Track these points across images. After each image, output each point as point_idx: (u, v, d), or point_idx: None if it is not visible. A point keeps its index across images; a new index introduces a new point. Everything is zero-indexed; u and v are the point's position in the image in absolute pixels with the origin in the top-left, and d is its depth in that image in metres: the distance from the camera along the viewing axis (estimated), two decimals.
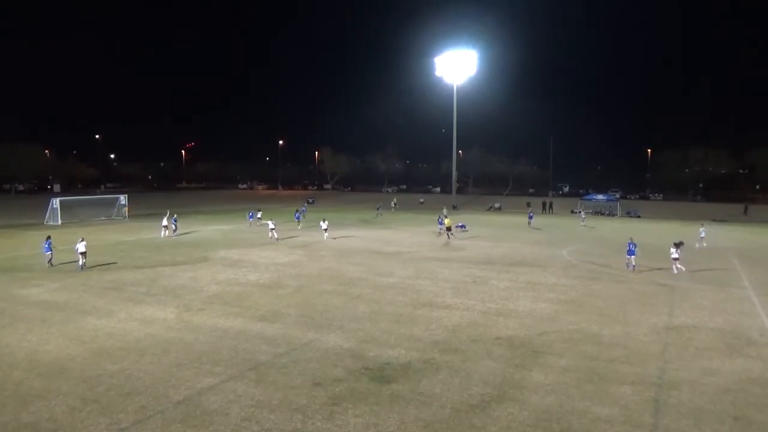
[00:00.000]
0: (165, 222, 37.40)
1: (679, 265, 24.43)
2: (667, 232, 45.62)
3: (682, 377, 12.12)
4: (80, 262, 24.23)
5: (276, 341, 14.17)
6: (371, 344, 14.01)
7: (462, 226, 41.79)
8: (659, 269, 25.47)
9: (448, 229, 37.39)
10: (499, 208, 74.89)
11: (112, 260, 26.59)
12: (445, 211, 55.70)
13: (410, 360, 12.89)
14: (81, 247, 24.48)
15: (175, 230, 39.05)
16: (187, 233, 38.58)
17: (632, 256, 25.37)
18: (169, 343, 13.93)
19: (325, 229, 35.95)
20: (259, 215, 46.27)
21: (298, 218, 44.47)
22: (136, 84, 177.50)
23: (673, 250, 24.86)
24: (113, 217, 49.21)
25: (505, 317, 16.79)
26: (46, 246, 24.96)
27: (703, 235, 36.14)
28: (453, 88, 76.94)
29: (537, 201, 75.35)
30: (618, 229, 44.32)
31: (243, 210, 56.82)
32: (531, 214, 50.90)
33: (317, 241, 34.90)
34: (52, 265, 24.54)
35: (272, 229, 35.72)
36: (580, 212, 57.95)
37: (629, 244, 25.86)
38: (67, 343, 13.99)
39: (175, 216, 40.48)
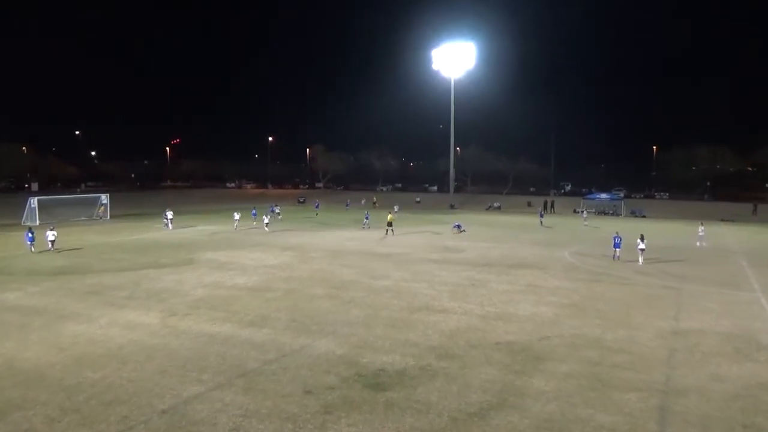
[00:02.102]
0: (170, 215, 42.10)
1: (616, 253, 28.66)
2: (672, 231, 45.89)
3: (688, 383, 12.18)
4: (50, 246, 29.52)
5: (265, 347, 14.14)
6: (365, 350, 14.00)
7: (458, 226, 41.91)
8: (661, 261, 25.59)
9: (389, 224, 39.41)
10: (499, 208, 75.07)
11: (94, 263, 26.48)
12: (396, 207, 57.69)
13: (406, 366, 12.89)
14: (50, 235, 29.78)
15: (166, 225, 41.00)
16: (180, 229, 38.44)
17: (618, 249, 28.96)
18: (153, 350, 13.87)
19: (267, 222, 41.23)
20: (277, 210, 51.12)
21: (254, 215, 47.27)
22: (118, 79, 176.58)
23: (639, 241, 28.21)
24: (94, 217, 49.01)
25: (504, 321, 16.82)
26: (29, 237, 29.52)
27: (702, 234, 36.52)
28: (450, 82, 77.12)
29: (538, 200, 75.63)
30: (622, 229, 44.41)
31: (231, 210, 56.65)
32: (541, 212, 52.21)
33: (308, 242, 34.88)
34: (33, 251, 29.03)
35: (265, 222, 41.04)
36: (582, 212, 58.35)
37: (615, 237, 29.50)
38: (46, 349, 13.91)
39: (171, 212, 43.11)
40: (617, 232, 30.21)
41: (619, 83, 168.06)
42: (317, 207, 59.45)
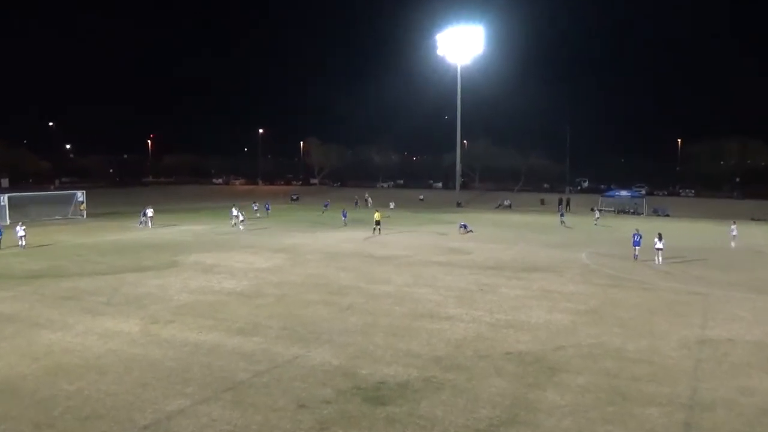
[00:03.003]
0: (150, 213, 42.77)
1: (661, 257, 28.79)
2: (699, 231, 45.89)
3: (716, 397, 12.18)
4: (21, 243, 30.87)
5: (255, 357, 14.15)
6: (364, 360, 14.01)
7: (464, 226, 41.95)
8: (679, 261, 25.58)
9: (377, 223, 40.18)
10: (509, 206, 75.05)
11: (69, 265, 26.49)
12: (392, 204, 58.04)
13: (408, 378, 12.90)
14: (20, 231, 31.29)
15: (144, 223, 41.56)
16: (163, 228, 38.46)
17: (637, 247, 29.83)
18: (134, 360, 13.88)
19: (242, 221, 42.44)
20: (255, 207, 51.82)
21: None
22: (95, 65, 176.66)
23: (656, 240, 28.96)
24: (70, 216, 49.05)
25: (515, 330, 16.83)
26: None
27: (734, 233, 36.61)
28: (456, 69, 77.10)
29: (552, 198, 75.65)
30: (644, 229, 44.38)
31: (218, 208, 56.69)
32: (562, 211, 52.48)
33: (301, 243, 34.91)
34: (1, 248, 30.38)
35: (240, 220, 42.16)
36: (610, 210, 57.73)
37: (635, 235, 30.33)
38: (18, 360, 13.93)
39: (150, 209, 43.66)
40: (637, 229, 31.16)
41: (641, 70, 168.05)
42: (327, 206, 56.34)
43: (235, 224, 42.31)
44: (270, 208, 55.70)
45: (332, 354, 14.44)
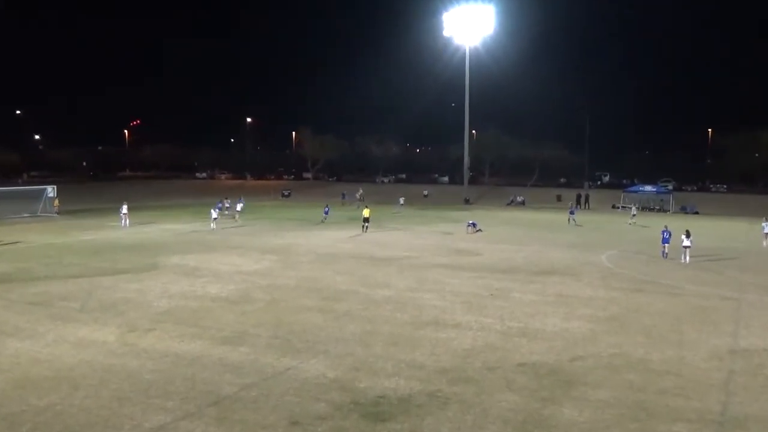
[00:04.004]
0: (125, 210, 42.57)
1: (688, 255, 29.65)
2: (731, 230, 45.88)
3: (749, 412, 12.17)
4: None
5: (243, 369, 14.15)
6: (362, 373, 14.02)
7: (473, 225, 41.97)
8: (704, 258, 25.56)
9: (366, 220, 40.80)
10: (522, 203, 75.19)
11: (38, 268, 26.50)
12: (401, 200, 58.32)
13: (411, 392, 12.90)
14: None
15: (124, 223, 41.79)
16: (141, 227, 38.48)
17: (666, 245, 31.06)
18: (110, 372, 13.89)
19: (215, 218, 42.15)
20: (227, 204, 50.53)
21: (218, 208, 47.21)
22: (66, 49, 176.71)
23: (684, 237, 29.80)
24: (40, 214, 49.08)
25: (529, 339, 16.83)
26: None
27: (767, 230, 36.64)
28: (465, 51, 77.04)
29: (570, 194, 75.59)
30: (671, 228, 44.46)
31: (202, 205, 56.68)
32: (573, 209, 52.33)
33: (293, 243, 34.93)
34: None
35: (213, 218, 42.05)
36: (629, 207, 57.43)
37: (663, 231, 31.67)
38: None
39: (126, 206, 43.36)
40: (666, 226, 32.61)
41: (668, 53, 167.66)
42: (327, 214, 50.04)
43: (214, 227, 41.52)
44: (242, 205, 51.57)
45: (327, 365, 14.44)
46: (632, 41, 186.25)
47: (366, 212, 41.78)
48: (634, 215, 52.38)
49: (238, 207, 49.95)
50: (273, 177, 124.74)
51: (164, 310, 19.42)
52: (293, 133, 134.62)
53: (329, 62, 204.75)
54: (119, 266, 27.10)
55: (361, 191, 72.98)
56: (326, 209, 49.12)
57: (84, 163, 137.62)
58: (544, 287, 23.66)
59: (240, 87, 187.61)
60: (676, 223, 45.68)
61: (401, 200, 64.58)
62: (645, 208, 66.11)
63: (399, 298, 21.43)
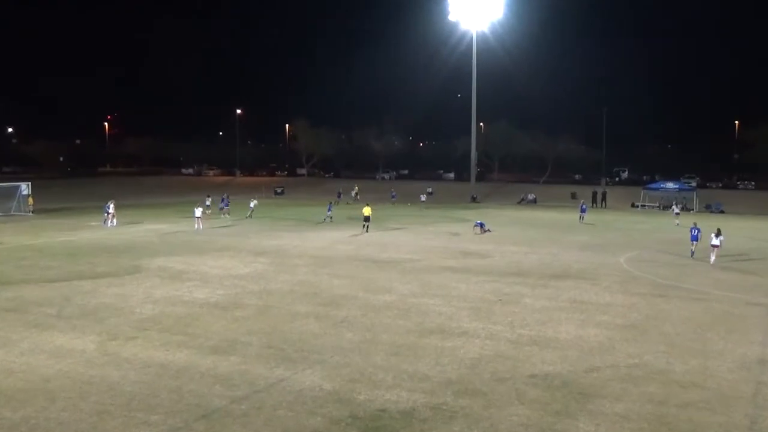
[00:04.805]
0: (112, 208, 42.79)
1: (715, 255, 30.18)
2: (759, 231, 45.83)
3: None
4: None
5: (233, 381, 14.16)
6: (361, 384, 14.03)
7: (481, 225, 41.98)
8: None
9: (366, 219, 41.13)
10: (534, 201, 75.18)
11: (12, 271, 26.50)
12: (423, 197, 59.25)
13: (414, 406, 12.91)
14: None
15: (107, 221, 42.14)
16: (124, 227, 38.50)
17: (695, 242, 31.97)
18: (89, 384, 13.90)
19: (198, 217, 42.11)
20: (207, 203, 50.96)
21: (208, 206, 49.14)
22: (41, 33, 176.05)
23: (713, 236, 30.32)
24: (12, 213, 49.10)
25: (541, 348, 16.84)
26: None
27: None
28: (472, 37, 77.03)
29: (586, 191, 75.52)
30: (677, 228, 44.56)
31: (188, 203, 56.70)
32: (584, 206, 52.18)
33: (288, 245, 34.95)
34: None
35: (198, 218, 41.87)
36: (672, 207, 56.30)
37: (692, 229, 32.44)
38: None
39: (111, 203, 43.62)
40: (695, 223, 33.48)
41: (692, 38, 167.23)
42: (330, 213, 49.31)
43: (200, 227, 41.56)
44: (227, 204, 52.33)
45: (324, 376, 14.45)
46: (653, 26, 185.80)
47: (367, 211, 41.88)
48: (677, 214, 51.92)
49: (251, 205, 51.65)
50: (265, 173, 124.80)
51: (148, 317, 19.42)
52: (286, 125, 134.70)
53: (326, 49, 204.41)
54: (99, 269, 27.12)
55: (356, 189, 73.09)
56: (330, 207, 49.39)
57: (61, 158, 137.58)
58: (557, 292, 23.66)
59: (229, 75, 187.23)
60: (701, 222, 45.69)
61: (429, 190, 65.70)
62: (666, 207, 66.06)
63: (401, 304, 21.43)
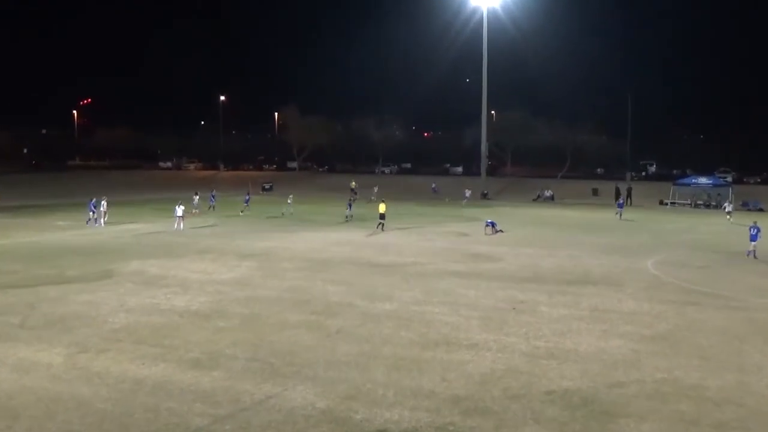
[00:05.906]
0: (105, 206, 43.41)
1: (754, 249, 32.25)
2: None
3: None
4: None
5: (216, 398, 14.16)
6: (359, 402, 14.02)
7: (492, 225, 41.97)
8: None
9: (381, 216, 41.66)
10: (551, 198, 75.17)
11: None
12: (467, 193, 59.59)
13: (417, 425, 12.91)
14: None
15: (94, 220, 42.61)
16: (95, 228, 38.47)
17: (754, 242, 32.76)
18: (56, 401, 13.90)
19: (180, 216, 41.90)
20: (196, 200, 52.38)
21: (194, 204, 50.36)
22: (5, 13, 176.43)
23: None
24: None
25: (560, 362, 16.83)
26: None
27: None
28: (483, 15, 76.99)
29: (608, 187, 75.51)
30: (731, 227, 44.33)
31: (166, 201, 56.69)
32: (621, 202, 53.78)
33: (277, 246, 34.94)
34: None
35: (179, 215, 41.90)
36: (725, 205, 56.25)
37: (751, 228, 33.23)
38: None
39: (96, 199, 43.64)
40: (755, 222, 34.36)
41: (724, 17, 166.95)
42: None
43: (178, 225, 41.81)
44: (215, 200, 55.57)
45: (317, 393, 14.45)
46: (683, 8, 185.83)
47: (382, 208, 42.13)
48: (729, 212, 52.11)
49: (289, 200, 53.42)
50: (252, 167, 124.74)
51: (121, 327, 19.41)
52: (275, 113, 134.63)
53: (321, 28, 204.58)
54: (68, 274, 27.12)
55: (354, 184, 72.98)
56: (349, 203, 50.19)
57: (25, 150, 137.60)
58: (577, 299, 23.65)
59: (212, 57, 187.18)
60: (736, 220, 45.67)
61: (467, 192, 66.81)
62: (699, 205, 66.09)
63: (403, 313, 21.43)
